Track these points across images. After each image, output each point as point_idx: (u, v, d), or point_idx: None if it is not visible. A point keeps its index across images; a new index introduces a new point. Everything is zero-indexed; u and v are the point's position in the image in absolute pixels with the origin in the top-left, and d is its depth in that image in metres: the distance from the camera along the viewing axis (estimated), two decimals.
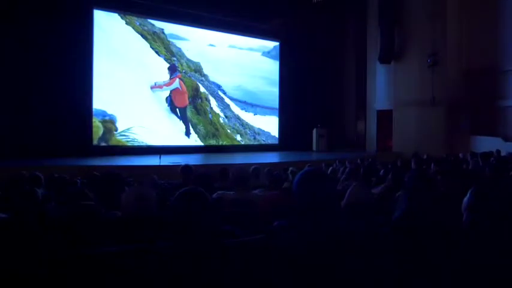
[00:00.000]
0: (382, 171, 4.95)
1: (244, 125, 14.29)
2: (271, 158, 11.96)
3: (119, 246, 1.77)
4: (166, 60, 12.39)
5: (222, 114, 13.72)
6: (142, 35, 11.92)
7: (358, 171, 4.61)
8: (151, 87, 12.07)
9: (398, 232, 1.89)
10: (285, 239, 1.51)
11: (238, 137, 14.14)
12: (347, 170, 5.18)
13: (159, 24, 12.24)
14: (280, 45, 15.13)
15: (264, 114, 14.86)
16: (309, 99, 14.91)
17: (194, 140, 12.97)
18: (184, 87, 12.82)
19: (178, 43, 12.68)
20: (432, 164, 5.80)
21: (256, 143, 14.53)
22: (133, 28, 11.75)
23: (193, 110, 13.00)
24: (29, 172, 4.62)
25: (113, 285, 1.58)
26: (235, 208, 2.94)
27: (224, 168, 4.81)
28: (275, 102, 15.12)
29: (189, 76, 12.94)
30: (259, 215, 2.77)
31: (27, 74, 9.71)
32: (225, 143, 13.72)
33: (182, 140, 12.69)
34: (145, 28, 12.01)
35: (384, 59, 14.28)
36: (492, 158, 6.74)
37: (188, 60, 12.90)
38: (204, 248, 1.52)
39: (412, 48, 13.67)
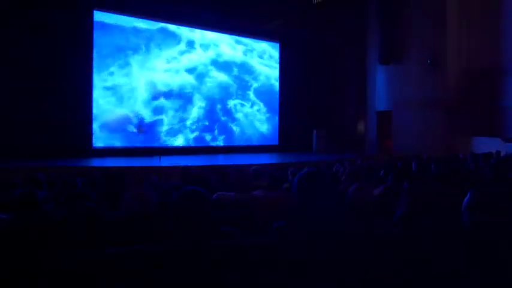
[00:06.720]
0: (382, 172, 4.95)
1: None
2: (272, 158, 11.95)
3: (118, 247, 1.77)
4: (166, 60, 12.40)
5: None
6: (142, 36, 11.92)
7: (358, 172, 4.61)
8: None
9: (398, 233, 1.89)
10: (285, 240, 1.50)
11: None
12: (347, 170, 5.17)
13: (158, 24, 12.23)
14: (281, 46, 15.12)
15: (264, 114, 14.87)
16: (309, 100, 14.90)
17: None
18: None
19: (178, 43, 12.67)
20: (432, 165, 5.79)
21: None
22: (133, 28, 11.75)
23: None
24: (29, 173, 4.62)
25: (113, 285, 1.57)
26: (235, 209, 2.93)
27: (224, 169, 4.81)
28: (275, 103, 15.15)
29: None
30: (259, 216, 2.77)
31: (26, 74, 9.70)
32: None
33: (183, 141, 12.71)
34: (145, 29, 12.01)
35: (384, 60, 14.26)
36: (492, 159, 6.73)
37: (189, 60, 12.90)
38: (203, 248, 1.51)
39: (412, 48, 13.65)
